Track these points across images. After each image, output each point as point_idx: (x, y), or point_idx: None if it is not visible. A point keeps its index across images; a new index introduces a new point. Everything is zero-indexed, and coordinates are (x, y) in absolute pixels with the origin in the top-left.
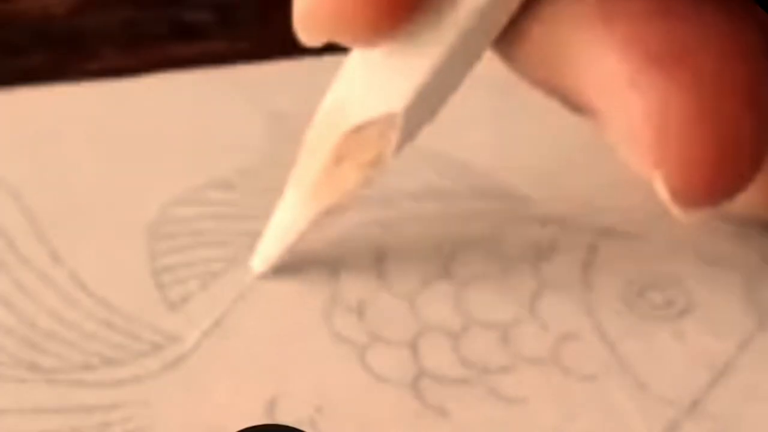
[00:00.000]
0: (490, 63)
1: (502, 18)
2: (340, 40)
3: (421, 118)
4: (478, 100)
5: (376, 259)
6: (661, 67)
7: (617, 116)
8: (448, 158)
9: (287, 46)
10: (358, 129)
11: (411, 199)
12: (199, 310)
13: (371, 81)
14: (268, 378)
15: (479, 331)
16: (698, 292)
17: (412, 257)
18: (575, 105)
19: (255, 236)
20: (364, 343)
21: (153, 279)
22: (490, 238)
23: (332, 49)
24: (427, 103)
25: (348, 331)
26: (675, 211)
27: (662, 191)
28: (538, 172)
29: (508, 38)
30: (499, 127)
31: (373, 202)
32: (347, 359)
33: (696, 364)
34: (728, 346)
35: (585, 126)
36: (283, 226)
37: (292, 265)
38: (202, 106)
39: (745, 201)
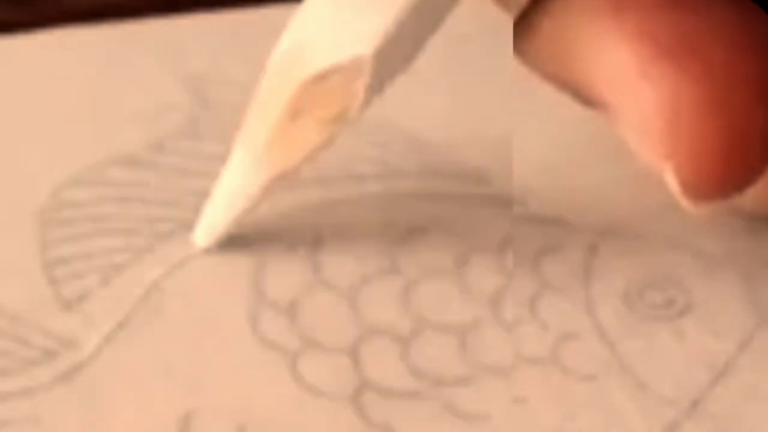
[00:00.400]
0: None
1: None
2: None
3: (394, 65)
4: (431, 59)
5: (310, 249)
6: (672, 59)
7: (628, 108)
8: (395, 129)
9: None
10: (320, 78)
11: (351, 178)
12: (98, 309)
13: (335, 19)
14: (181, 391)
15: (432, 335)
16: (698, 291)
17: (352, 248)
18: (586, 98)
19: (165, 222)
20: (295, 350)
21: (44, 273)
22: (445, 225)
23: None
24: (401, 47)
25: (277, 335)
26: (685, 203)
27: (672, 183)
28: (502, 151)
29: (518, 32)
30: (455, 94)
31: (306, 181)
32: (276, 368)
33: (696, 363)
34: (728, 346)
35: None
36: (230, 193)
37: (210, 257)
38: (104, 68)
39: (754, 195)
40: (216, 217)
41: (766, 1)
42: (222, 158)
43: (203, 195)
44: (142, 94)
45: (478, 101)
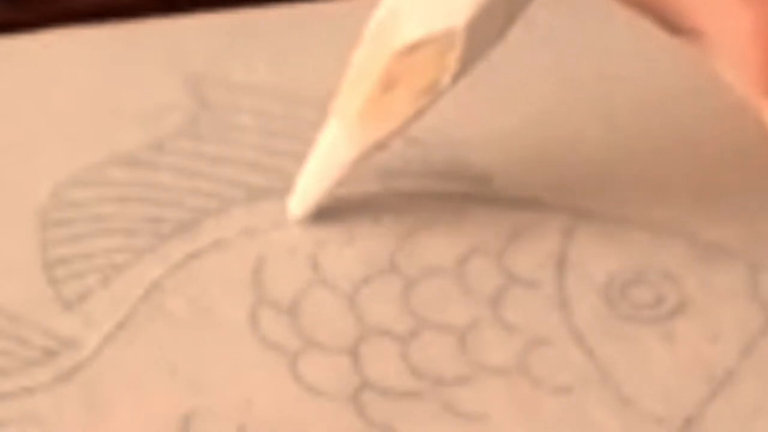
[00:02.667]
0: None
1: None
2: None
3: (486, 39)
4: None
5: (310, 249)
6: None
7: (724, 37)
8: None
9: None
10: (413, 48)
11: (351, 178)
12: (99, 309)
13: None
14: (182, 390)
15: (432, 335)
16: (692, 287)
17: (352, 248)
18: (674, 26)
19: (165, 222)
20: (295, 349)
21: (44, 273)
22: (445, 224)
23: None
24: (493, 20)
25: (277, 335)
26: None
27: None
28: (502, 147)
29: None
30: (455, 95)
31: None
32: (276, 368)
33: (690, 373)
34: (729, 352)
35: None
36: (324, 162)
37: (210, 257)
38: (104, 68)
39: None
40: (309, 187)
41: None
42: (222, 158)
43: (203, 195)
44: (142, 94)
45: (479, 102)
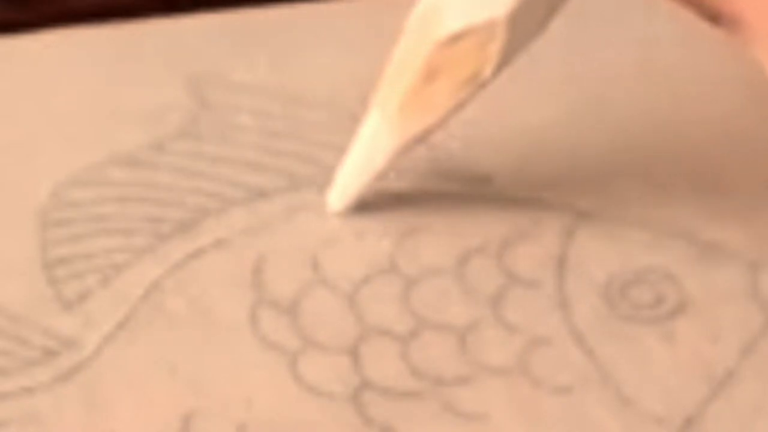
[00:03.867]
0: None
1: None
2: None
3: (528, 30)
4: None
5: (311, 247)
6: None
7: (764, 24)
8: None
9: None
10: (454, 40)
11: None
12: (99, 309)
13: None
14: (182, 390)
15: (432, 335)
16: (692, 287)
17: (352, 248)
18: (714, 13)
19: (165, 222)
20: (295, 349)
21: (44, 273)
22: (445, 224)
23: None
24: (535, 12)
25: (277, 335)
26: None
27: None
28: (502, 147)
29: None
30: None
31: (306, 179)
32: (276, 368)
33: (690, 373)
34: (729, 352)
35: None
36: (364, 155)
37: (210, 257)
38: (104, 68)
39: None
40: (349, 180)
41: None
42: (222, 158)
43: (203, 194)
44: (143, 94)
45: (479, 102)
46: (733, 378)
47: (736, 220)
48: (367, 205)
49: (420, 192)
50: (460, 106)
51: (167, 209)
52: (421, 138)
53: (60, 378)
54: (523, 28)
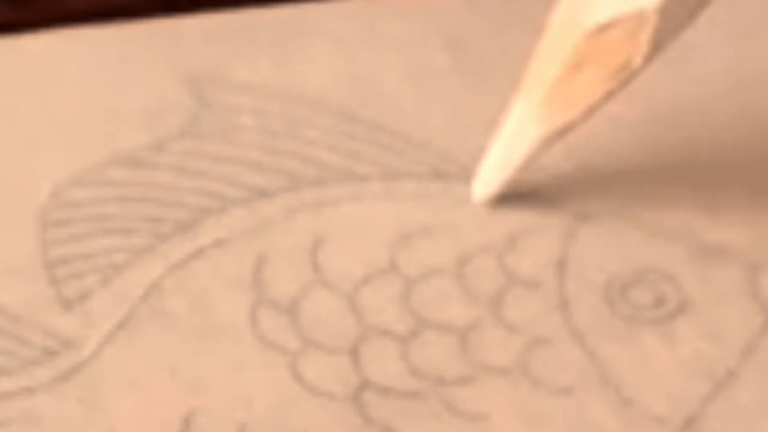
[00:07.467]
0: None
1: None
2: None
3: (678, 20)
4: (432, 60)
5: (310, 249)
6: None
7: None
8: (395, 130)
9: None
10: (603, 29)
11: (351, 178)
12: (99, 309)
13: None
14: (182, 390)
15: (432, 335)
16: (693, 288)
17: (352, 248)
18: None
19: (165, 222)
20: (295, 349)
21: (45, 273)
22: (445, 224)
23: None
24: (686, 2)
25: (277, 335)
26: None
27: None
28: None
29: None
30: (456, 96)
31: (306, 179)
32: (276, 368)
33: (691, 373)
34: (729, 352)
35: None
36: (509, 146)
37: (210, 257)
38: (105, 68)
39: None
40: (493, 171)
41: None
42: (222, 158)
43: (203, 194)
44: (143, 94)
45: (479, 102)
46: (733, 378)
47: (736, 220)
48: (360, 205)
49: (420, 192)
50: (609, 97)
51: (167, 209)
52: (565, 131)
53: (60, 378)
54: (674, 18)
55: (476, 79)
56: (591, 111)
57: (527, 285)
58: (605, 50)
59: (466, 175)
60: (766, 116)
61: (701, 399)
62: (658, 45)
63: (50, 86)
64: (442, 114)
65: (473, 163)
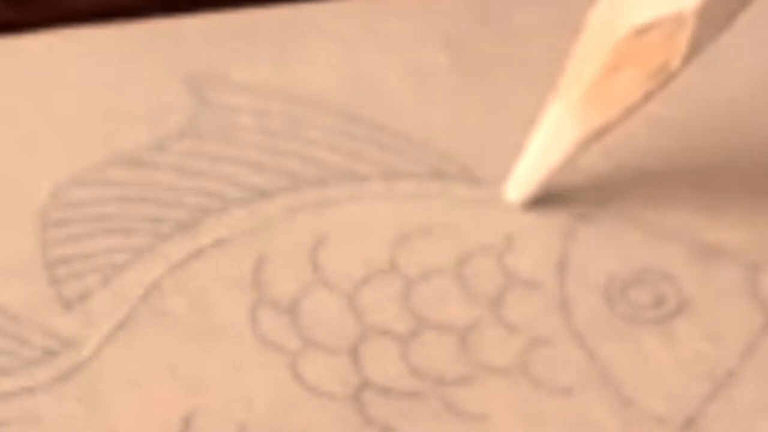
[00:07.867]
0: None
1: None
2: None
3: (717, 23)
4: (432, 61)
5: (310, 249)
6: None
7: None
8: (394, 130)
9: None
10: (641, 31)
11: (351, 178)
12: (99, 309)
13: None
14: (182, 390)
15: (432, 335)
16: (692, 288)
17: (352, 248)
18: None
19: (165, 222)
20: (295, 349)
21: (45, 273)
22: (445, 224)
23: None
24: (725, 5)
25: (277, 335)
26: None
27: None
28: (503, 147)
29: None
30: (457, 96)
31: (306, 179)
32: (276, 368)
33: (691, 374)
34: (729, 352)
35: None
36: (546, 147)
37: (211, 255)
38: (105, 68)
39: None
40: (529, 171)
41: None
42: (222, 158)
43: (203, 194)
44: (143, 94)
45: (480, 102)
46: (733, 378)
47: (736, 220)
48: (360, 205)
49: (420, 192)
50: (647, 98)
51: (167, 209)
52: (603, 132)
53: (60, 378)
54: (712, 20)
55: (476, 79)
56: (629, 112)
57: (527, 285)
58: (644, 52)
59: (466, 175)
60: None
61: (701, 399)
62: (697, 46)
63: (50, 86)
64: (442, 114)
65: (473, 163)
